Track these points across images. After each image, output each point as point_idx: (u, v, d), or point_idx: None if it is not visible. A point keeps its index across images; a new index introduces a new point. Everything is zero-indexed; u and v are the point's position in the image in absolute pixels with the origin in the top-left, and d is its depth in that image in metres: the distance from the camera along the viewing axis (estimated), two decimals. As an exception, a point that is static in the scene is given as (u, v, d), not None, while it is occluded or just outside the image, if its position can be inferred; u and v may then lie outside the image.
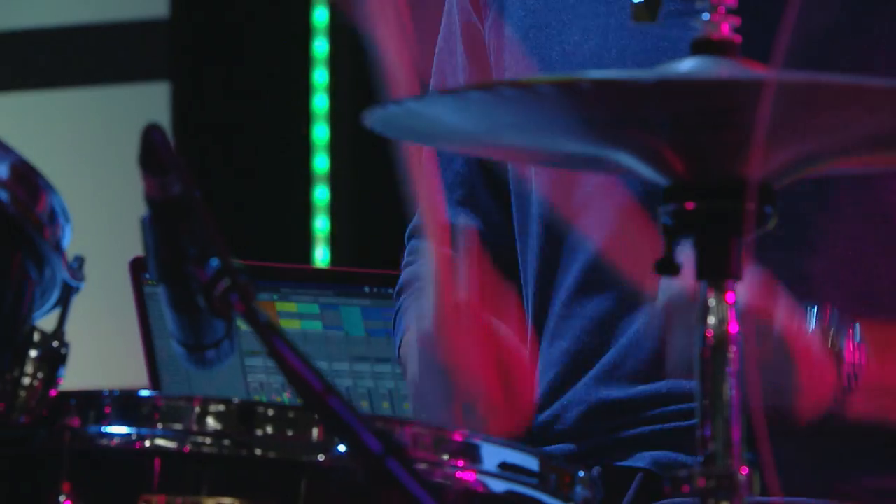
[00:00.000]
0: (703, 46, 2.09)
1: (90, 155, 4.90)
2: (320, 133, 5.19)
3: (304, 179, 4.95)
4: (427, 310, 2.89)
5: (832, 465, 2.76)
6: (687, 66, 2.09)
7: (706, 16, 2.11)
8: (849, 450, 2.82)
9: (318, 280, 3.75)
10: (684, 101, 2.05)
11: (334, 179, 4.97)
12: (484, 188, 3.12)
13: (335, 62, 5.40)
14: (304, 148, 4.89)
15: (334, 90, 5.30)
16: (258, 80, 5.51)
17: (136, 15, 5.89)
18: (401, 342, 3.13)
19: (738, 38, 2.13)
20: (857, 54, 2.66)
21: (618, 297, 2.94)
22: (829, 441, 2.76)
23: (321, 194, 5.03)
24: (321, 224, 4.80)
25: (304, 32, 5.56)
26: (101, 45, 5.96)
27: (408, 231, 3.23)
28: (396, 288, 3.24)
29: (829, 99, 2.04)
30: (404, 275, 3.21)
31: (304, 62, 5.45)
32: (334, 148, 4.89)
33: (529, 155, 2.50)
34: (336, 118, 5.20)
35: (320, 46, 5.49)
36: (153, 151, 2.10)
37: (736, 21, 2.12)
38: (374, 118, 2.17)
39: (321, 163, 4.97)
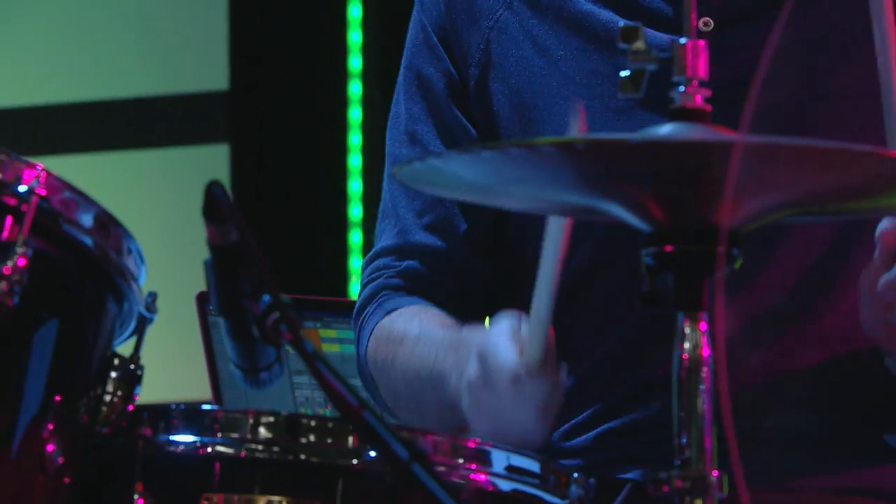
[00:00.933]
0: (679, 114, 2.07)
1: (161, 206, 4.91)
2: (355, 187, 5.10)
3: (342, 226, 4.97)
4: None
5: (793, 468, 2.71)
6: (665, 130, 2.07)
7: (682, 88, 2.09)
8: (808, 455, 2.77)
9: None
10: (663, 159, 2.05)
11: (366, 225, 5.00)
12: (459, 215, 3.02)
13: (367, 127, 5.31)
14: (342, 199, 4.88)
15: (367, 150, 5.25)
16: (303, 143, 5.51)
17: (201, 87, 5.91)
18: (369, 336, 3.03)
19: (708, 108, 2.10)
20: (810, 120, 2.66)
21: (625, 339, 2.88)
22: (791, 447, 2.72)
23: (356, 238, 5.06)
24: (356, 263, 4.81)
25: (342, 102, 5.46)
26: (171, 113, 5.94)
27: (370, 254, 3.16)
28: (360, 302, 3.12)
29: (786, 158, 2.04)
30: (369, 289, 3.09)
31: (342, 128, 5.38)
32: (366, 198, 4.90)
33: (532, 205, 2.47)
34: (368, 173, 5.11)
35: (355, 113, 5.26)
36: (214, 204, 2.08)
37: (707, 92, 2.09)
38: (402, 173, 2.18)
39: (356, 212, 5.00)
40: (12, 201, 2.09)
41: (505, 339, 2.63)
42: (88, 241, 2.14)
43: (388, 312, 2.99)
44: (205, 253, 2.15)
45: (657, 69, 2.20)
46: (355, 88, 4.72)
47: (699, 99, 2.09)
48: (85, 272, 2.19)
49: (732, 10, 2.79)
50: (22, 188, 2.07)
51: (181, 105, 5.98)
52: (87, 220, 2.13)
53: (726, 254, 2.06)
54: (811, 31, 2.75)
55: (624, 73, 2.18)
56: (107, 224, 2.16)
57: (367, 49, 4.99)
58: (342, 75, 5.10)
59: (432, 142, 3.10)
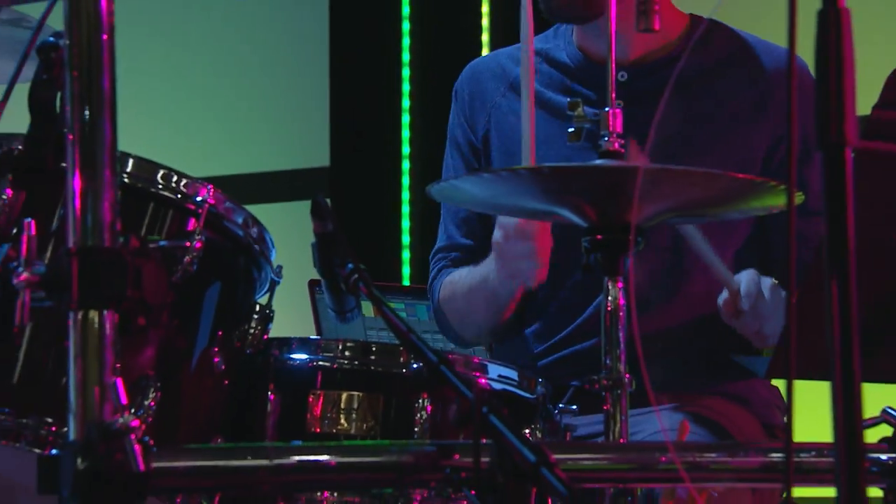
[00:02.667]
0: (605, 153, 2.15)
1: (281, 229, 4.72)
2: (406, 209, 4.87)
3: (398, 242, 4.85)
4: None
5: (678, 378, 2.76)
6: (597, 162, 2.16)
7: (606, 138, 2.17)
8: (688, 370, 2.83)
9: (404, 292, 3.78)
10: (595, 180, 2.17)
11: (413, 243, 4.78)
12: (477, 224, 3.00)
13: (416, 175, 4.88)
14: (398, 220, 4.77)
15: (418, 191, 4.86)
16: (374, 189, 4.94)
17: (306, 164, 5.53)
18: (440, 288, 3.05)
19: (622, 150, 2.16)
20: (691, 149, 2.67)
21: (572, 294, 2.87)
22: (676, 365, 2.75)
23: (406, 255, 4.91)
24: (406, 256, 4.91)
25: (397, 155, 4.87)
26: (278, 187, 5.59)
27: (432, 251, 3.15)
28: (430, 279, 3.12)
29: (672, 179, 2.15)
30: (434, 272, 3.12)
31: (398, 175, 4.84)
32: (413, 221, 4.71)
33: (515, 211, 2.49)
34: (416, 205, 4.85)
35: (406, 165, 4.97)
36: (317, 207, 2.12)
37: (621, 140, 2.17)
38: (434, 190, 2.23)
39: (406, 235, 4.75)
40: (192, 207, 2.18)
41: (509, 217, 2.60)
42: (240, 232, 2.25)
43: (449, 274, 3.00)
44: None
45: (592, 127, 2.33)
46: (406, 149, 4.62)
47: (616, 145, 2.16)
48: (237, 251, 2.28)
49: (640, 69, 2.84)
50: (199, 199, 2.17)
51: (288, 179, 5.64)
52: (238, 219, 2.24)
53: (634, 241, 2.11)
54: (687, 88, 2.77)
55: (570, 130, 2.26)
56: (251, 222, 2.26)
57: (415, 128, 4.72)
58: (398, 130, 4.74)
59: (454, 215, 3.07)
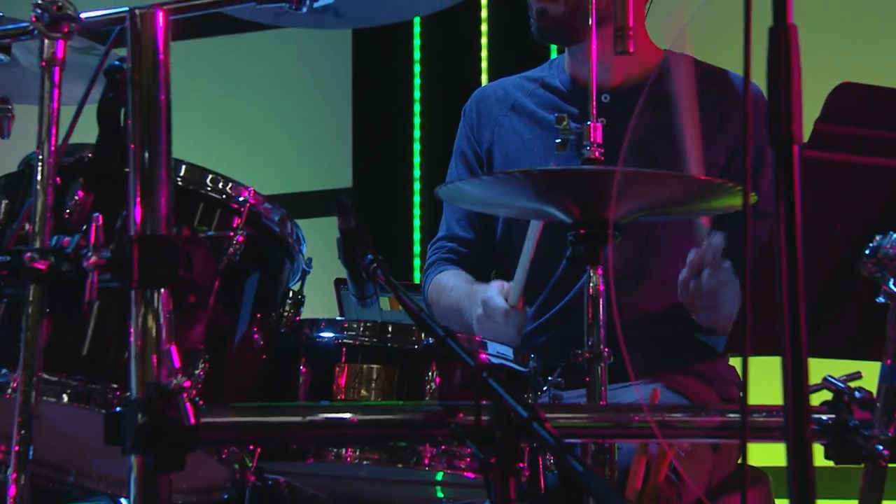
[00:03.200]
0: (587, 160, 2.18)
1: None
2: (417, 212, 4.89)
3: (410, 242, 4.88)
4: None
5: (664, 356, 2.80)
6: (580, 167, 2.19)
7: (588, 147, 2.20)
8: (659, 350, 2.80)
9: (415, 289, 3.72)
10: (579, 182, 2.16)
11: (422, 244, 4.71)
12: (476, 220, 3.02)
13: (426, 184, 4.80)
14: (411, 222, 4.83)
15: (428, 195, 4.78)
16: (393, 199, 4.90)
17: (331, 185, 5.42)
18: (429, 283, 3.06)
19: (602, 158, 2.20)
20: (661, 160, 2.51)
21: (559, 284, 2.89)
22: (648, 344, 2.58)
23: (418, 259, 4.89)
24: (417, 263, 4.89)
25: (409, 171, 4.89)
26: (308, 204, 5.27)
27: (432, 240, 3.16)
28: (426, 266, 3.14)
29: (644, 181, 2.14)
30: (430, 259, 3.12)
31: (409, 183, 4.85)
32: (423, 224, 4.84)
33: (510, 211, 2.56)
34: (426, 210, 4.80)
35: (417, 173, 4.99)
36: (342, 207, 2.15)
37: (601, 149, 2.20)
38: (442, 191, 2.23)
39: (417, 235, 4.70)
40: (236, 206, 2.18)
41: (496, 292, 2.66)
42: (276, 228, 2.24)
43: (440, 272, 3.01)
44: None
45: (575, 139, 2.34)
46: (417, 172, 4.63)
47: (597, 153, 2.20)
48: (274, 245, 2.26)
49: (620, 93, 2.84)
50: (241, 199, 2.17)
51: (313, 200, 5.43)
52: (275, 217, 2.23)
53: (612, 234, 2.13)
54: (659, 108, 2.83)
55: (557, 141, 2.27)
56: (286, 220, 2.24)
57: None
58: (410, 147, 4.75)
59: (455, 210, 3.10)
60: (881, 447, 1.89)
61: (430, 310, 3.00)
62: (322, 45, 4.93)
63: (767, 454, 2.72)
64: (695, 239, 2.57)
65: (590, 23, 2.27)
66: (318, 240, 2.43)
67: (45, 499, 2.37)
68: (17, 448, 1.86)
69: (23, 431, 1.88)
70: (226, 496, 2.25)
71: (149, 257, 1.72)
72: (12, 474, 1.88)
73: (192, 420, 1.67)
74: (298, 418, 1.87)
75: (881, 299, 1.96)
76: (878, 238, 1.96)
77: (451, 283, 2.96)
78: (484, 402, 1.77)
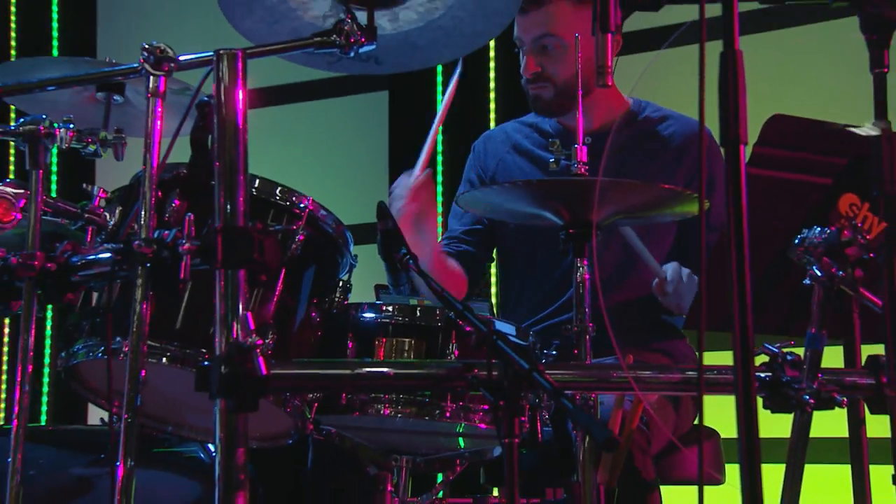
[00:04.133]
0: (574, 175, 2.16)
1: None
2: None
3: None
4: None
5: (637, 335, 2.73)
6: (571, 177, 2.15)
7: (575, 166, 2.16)
8: (635, 330, 2.75)
9: None
10: (568, 190, 2.13)
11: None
12: (478, 223, 2.95)
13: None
14: None
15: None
16: None
17: (370, 219, 5.15)
18: None
19: (586, 174, 2.17)
20: (629, 171, 2.60)
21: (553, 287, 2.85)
22: (635, 320, 2.74)
23: None
24: None
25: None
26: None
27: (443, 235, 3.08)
28: None
29: (620, 189, 2.11)
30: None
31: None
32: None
33: (513, 216, 2.47)
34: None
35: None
36: (381, 211, 2.16)
37: (586, 165, 2.17)
38: (461, 199, 2.24)
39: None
40: (297, 211, 2.13)
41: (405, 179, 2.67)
42: (330, 230, 2.20)
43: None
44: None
45: (564, 160, 2.28)
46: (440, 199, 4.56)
47: (583, 169, 2.16)
48: (327, 243, 2.21)
49: (599, 135, 2.74)
50: (302, 205, 2.13)
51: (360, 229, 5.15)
52: (329, 221, 2.19)
53: (595, 233, 2.10)
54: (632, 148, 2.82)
55: (551, 160, 2.21)
56: (339, 224, 2.20)
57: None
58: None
59: (460, 215, 3.02)
60: (807, 397, 1.88)
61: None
62: (364, 105, 4.81)
63: (718, 424, 2.70)
64: (653, 272, 2.59)
65: (576, 98, 2.25)
66: (360, 265, 2.38)
67: (149, 444, 2.35)
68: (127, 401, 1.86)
69: (132, 388, 1.86)
70: (290, 441, 2.22)
71: (230, 244, 1.73)
72: (124, 422, 1.86)
73: (264, 371, 1.67)
74: (347, 371, 1.86)
75: (807, 281, 1.95)
76: (804, 231, 1.95)
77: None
78: (494, 361, 1.77)
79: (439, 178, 4.31)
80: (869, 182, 1.73)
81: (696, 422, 2.77)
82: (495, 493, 3.57)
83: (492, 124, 4.12)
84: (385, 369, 1.90)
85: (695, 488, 2.54)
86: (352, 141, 5.16)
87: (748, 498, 1.44)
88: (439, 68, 4.33)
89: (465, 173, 3.12)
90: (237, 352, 1.68)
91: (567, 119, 2.89)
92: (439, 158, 4.32)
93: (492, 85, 4.24)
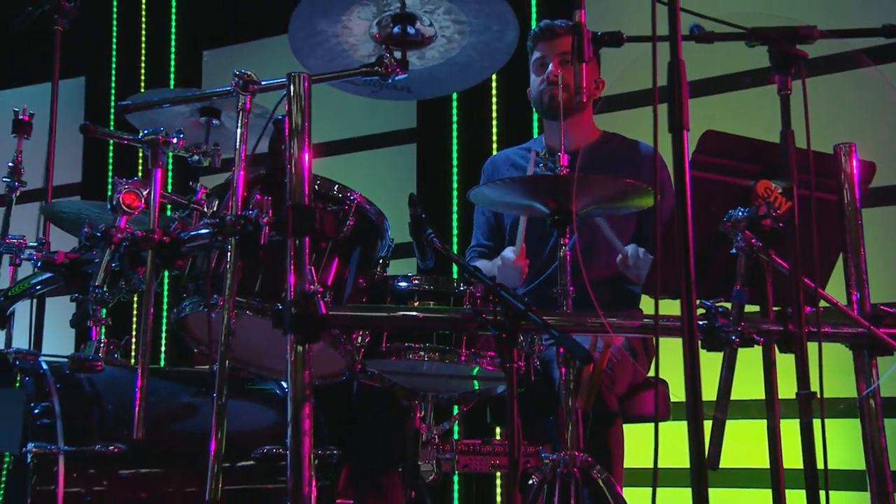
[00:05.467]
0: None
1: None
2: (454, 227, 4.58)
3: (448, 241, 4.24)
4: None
5: (606, 300, 2.65)
6: (555, 174, 2.15)
7: (558, 169, 2.18)
8: (612, 297, 2.74)
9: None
10: (554, 185, 2.10)
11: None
12: (494, 232, 2.96)
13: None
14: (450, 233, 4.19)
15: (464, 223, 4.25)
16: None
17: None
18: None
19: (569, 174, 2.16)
20: (600, 169, 2.58)
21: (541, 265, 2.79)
22: (602, 293, 2.64)
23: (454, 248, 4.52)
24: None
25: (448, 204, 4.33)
26: None
27: (468, 248, 3.03)
28: (467, 259, 2.99)
29: (593, 183, 2.07)
30: (467, 259, 2.95)
31: (448, 206, 4.29)
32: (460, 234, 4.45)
33: (514, 208, 2.46)
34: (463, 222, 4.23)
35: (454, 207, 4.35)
36: (412, 201, 2.15)
37: (568, 167, 2.18)
38: (471, 195, 2.17)
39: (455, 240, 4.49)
40: (348, 203, 2.09)
41: (509, 251, 2.61)
42: (373, 218, 2.16)
43: (476, 262, 2.85)
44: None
45: (551, 165, 2.32)
46: (455, 211, 4.48)
47: (564, 171, 2.17)
48: (370, 228, 2.17)
49: (575, 154, 2.52)
50: (351, 198, 2.09)
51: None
52: (373, 210, 2.15)
53: (575, 218, 2.08)
54: (601, 165, 2.73)
55: (540, 165, 2.27)
56: (380, 214, 2.16)
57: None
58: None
59: (481, 226, 3.01)
60: (734, 337, 1.88)
61: None
62: (396, 156, 4.57)
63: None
64: (616, 249, 2.56)
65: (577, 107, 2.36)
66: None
67: (237, 382, 2.34)
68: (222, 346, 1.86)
69: (225, 335, 1.87)
70: (343, 379, 2.22)
71: (297, 217, 1.76)
72: (218, 365, 1.86)
73: (323, 311, 1.69)
74: (386, 313, 1.87)
75: (733, 250, 1.95)
76: (730, 212, 1.95)
77: (483, 263, 2.86)
78: (497, 308, 1.78)
79: (454, 196, 4.20)
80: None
81: (650, 373, 2.73)
82: (498, 436, 3.56)
83: (494, 149, 4.04)
84: (414, 313, 1.90)
85: (643, 426, 2.60)
86: (387, 186, 4.89)
87: (691, 411, 1.44)
88: (454, 131, 4.26)
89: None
90: (303, 297, 1.71)
91: (552, 141, 2.89)
92: (454, 179, 4.24)
93: (494, 118, 4.16)
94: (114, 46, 4.94)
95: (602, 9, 3.91)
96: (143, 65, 4.91)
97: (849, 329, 1.97)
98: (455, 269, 3.52)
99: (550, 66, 2.82)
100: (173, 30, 4.89)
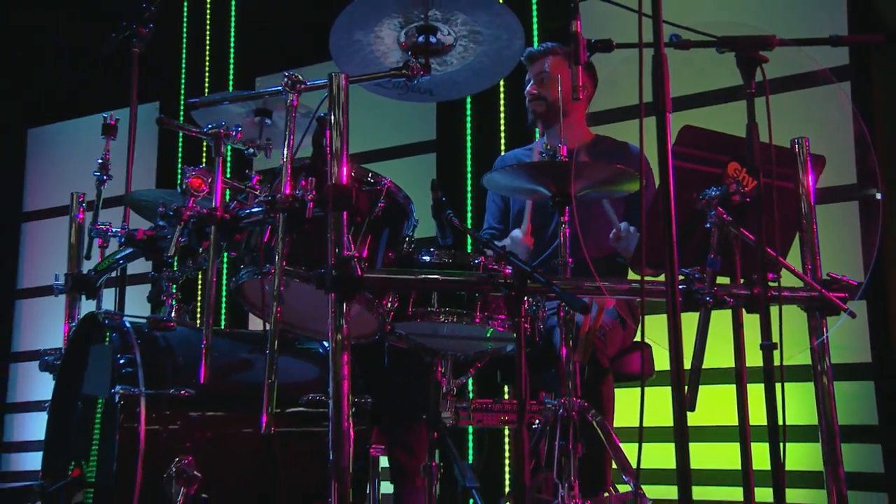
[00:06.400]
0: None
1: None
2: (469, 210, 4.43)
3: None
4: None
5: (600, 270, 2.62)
6: (556, 161, 2.09)
7: (559, 156, 2.12)
8: (606, 269, 2.67)
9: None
10: (555, 170, 2.06)
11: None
12: (503, 217, 2.91)
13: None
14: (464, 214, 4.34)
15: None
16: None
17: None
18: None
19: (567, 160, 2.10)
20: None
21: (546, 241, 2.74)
22: (602, 265, 2.64)
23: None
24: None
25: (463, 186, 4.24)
26: None
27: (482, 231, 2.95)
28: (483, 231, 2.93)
29: (589, 168, 2.08)
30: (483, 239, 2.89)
31: (463, 189, 4.18)
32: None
33: (520, 192, 2.36)
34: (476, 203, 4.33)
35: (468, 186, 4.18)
36: (434, 186, 2.13)
37: (566, 158, 2.12)
38: (484, 180, 2.13)
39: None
40: (380, 187, 2.04)
41: (517, 231, 2.61)
42: (401, 201, 2.11)
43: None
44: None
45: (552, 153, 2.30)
46: (469, 201, 4.37)
47: (562, 156, 2.10)
48: (398, 210, 2.12)
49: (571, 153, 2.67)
50: (383, 183, 2.05)
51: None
52: (401, 195, 2.10)
53: (574, 199, 2.06)
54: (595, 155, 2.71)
55: (542, 154, 2.17)
56: (407, 198, 2.12)
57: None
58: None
59: (493, 212, 2.97)
60: (708, 299, 1.86)
61: None
62: (418, 165, 4.46)
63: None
64: (609, 219, 2.51)
65: (557, 115, 2.34)
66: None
67: (286, 342, 2.32)
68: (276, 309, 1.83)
69: (276, 299, 1.85)
70: (376, 338, 2.19)
71: (336, 195, 1.74)
72: (272, 327, 1.84)
73: (359, 273, 1.67)
74: (412, 276, 1.85)
75: (708, 225, 1.93)
76: (705, 191, 1.93)
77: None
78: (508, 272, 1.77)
79: (468, 190, 4.12)
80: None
81: (636, 338, 2.70)
82: (506, 395, 3.53)
83: (503, 149, 3.99)
84: (436, 276, 1.88)
85: (630, 392, 2.58)
86: (411, 189, 4.82)
87: (673, 357, 1.42)
88: (468, 143, 4.18)
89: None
90: (341, 261, 1.70)
91: (552, 142, 2.87)
92: (468, 182, 4.19)
93: (502, 121, 4.11)
94: (182, 76, 4.98)
95: (595, 21, 3.86)
96: (205, 90, 4.98)
97: (804, 293, 1.97)
98: (469, 244, 3.50)
99: (529, 85, 2.87)
100: (232, 61, 4.94)
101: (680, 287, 1.86)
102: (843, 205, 3.10)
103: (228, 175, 2.02)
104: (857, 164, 2.99)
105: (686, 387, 1.77)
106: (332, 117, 1.80)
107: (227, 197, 2.07)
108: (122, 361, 1.98)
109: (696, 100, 3.54)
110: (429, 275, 1.89)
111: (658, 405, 2.41)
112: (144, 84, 3.17)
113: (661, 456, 3.25)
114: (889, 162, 2.61)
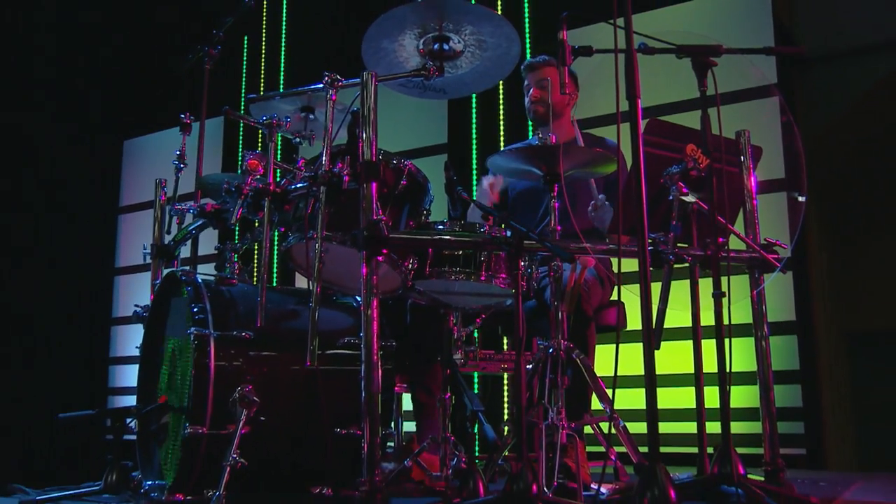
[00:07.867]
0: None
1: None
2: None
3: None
4: None
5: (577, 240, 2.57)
6: (546, 146, 2.06)
7: (549, 142, 2.07)
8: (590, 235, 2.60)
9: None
10: (545, 153, 2.03)
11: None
12: (504, 189, 2.80)
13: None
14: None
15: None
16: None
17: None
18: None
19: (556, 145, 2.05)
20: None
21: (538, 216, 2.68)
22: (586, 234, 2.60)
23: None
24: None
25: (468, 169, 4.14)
26: None
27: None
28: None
29: (574, 151, 2.03)
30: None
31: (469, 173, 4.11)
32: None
33: (518, 171, 2.19)
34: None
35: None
36: (447, 166, 2.10)
37: (556, 145, 2.07)
38: (488, 163, 2.09)
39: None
40: (403, 168, 2.02)
41: (486, 179, 2.57)
42: (420, 180, 2.07)
43: None
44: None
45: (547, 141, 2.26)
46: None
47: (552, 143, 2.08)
48: (418, 188, 2.06)
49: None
50: (405, 164, 2.03)
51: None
52: (420, 175, 2.07)
53: (563, 177, 2.02)
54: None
55: (539, 136, 2.17)
56: (425, 179, 2.08)
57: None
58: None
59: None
60: (671, 257, 1.86)
61: None
62: (431, 164, 4.31)
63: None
64: (593, 195, 2.48)
65: (554, 114, 2.30)
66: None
67: (326, 297, 2.33)
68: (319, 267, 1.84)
69: (318, 259, 1.86)
70: (399, 292, 2.18)
71: (367, 169, 1.74)
72: (314, 284, 1.84)
73: (385, 234, 1.68)
74: (429, 237, 1.85)
75: (671, 198, 1.92)
76: (667, 169, 1.93)
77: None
78: (507, 234, 1.76)
79: (474, 182, 4.06)
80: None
81: (613, 297, 2.68)
82: (505, 347, 3.52)
83: (502, 146, 3.96)
84: (448, 237, 1.89)
85: (606, 348, 2.57)
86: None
87: (644, 303, 1.43)
88: (474, 149, 4.11)
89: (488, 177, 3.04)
90: (371, 224, 1.70)
91: (544, 136, 2.86)
92: (474, 170, 4.15)
93: (502, 121, 4.09)
94: (242, 92, 4.99)
95: (576, 33, 3.84)
96: (261, 72, 5.02)
97: (746, 254, 1.97)
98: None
99: (532, 90, 2.82)
100: (282, 76, 4.92)
101: (649, 248, 1.86)
102: (775, 195, 3.13)
103: (279, 158, 2.06)
104: (785, 160, 3.01)
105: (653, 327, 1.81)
106: (364, 109, 1.80)
107: (279, 176, 2.07)
108: (195, 309, 2.01)
109: (669, 108, 3.55)
110: (442, 235, 1.89)
111: (631, 359, 2.37)
112: (212, 94, 3.19)
113: (633, 398, 3.27)
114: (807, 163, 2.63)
